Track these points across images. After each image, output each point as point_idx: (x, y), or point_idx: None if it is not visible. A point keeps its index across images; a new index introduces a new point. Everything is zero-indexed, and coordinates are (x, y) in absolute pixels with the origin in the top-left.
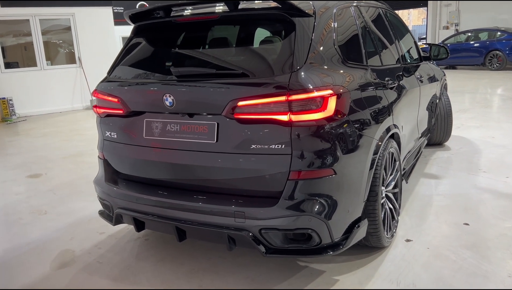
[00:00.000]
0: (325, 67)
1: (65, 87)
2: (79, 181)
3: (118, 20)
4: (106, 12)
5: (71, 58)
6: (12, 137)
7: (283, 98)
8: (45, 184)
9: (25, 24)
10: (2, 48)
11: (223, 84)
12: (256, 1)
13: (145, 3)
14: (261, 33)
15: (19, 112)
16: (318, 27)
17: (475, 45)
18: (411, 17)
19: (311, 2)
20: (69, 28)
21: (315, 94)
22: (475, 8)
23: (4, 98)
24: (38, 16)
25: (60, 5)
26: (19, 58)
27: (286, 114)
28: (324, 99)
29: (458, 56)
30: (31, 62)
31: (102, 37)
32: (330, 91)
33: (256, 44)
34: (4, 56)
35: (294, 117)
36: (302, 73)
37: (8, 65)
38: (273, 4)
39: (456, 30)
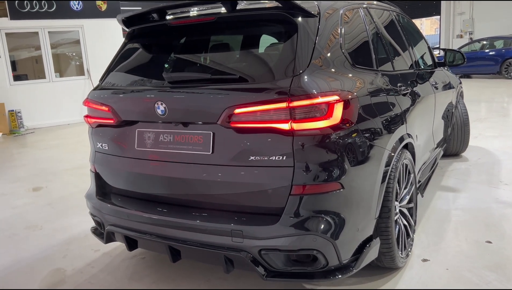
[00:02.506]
0: (331, 70)
1: (74, 99)
2: (79, 195)
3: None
4: (114, 24)
5: (79, 70)
6: (18, 150)
7: (284, 104)
8: (45, 197)
9: (36, 37)
10: (14, 62)
11: (219, 90)
12: (255, 1)
13: None
14: (260, 35)
15: (27, 124)
16: (323, 28)
17: (491, 53)
18: (423, 27)
19: (316, 3)
20: (78, 42)
21: (319, 100)
22: (490, 16)
23: (12, 110)
24: (47, 29)
25: (69, 17)
26: (30, 71)
27: (288, 122)
28: (329, 106)
29: (473, 65)
30: (41, 74)
31: (111, 49)
32: (336, 97)
33: (255, 47)
34: (15, 69)
35: (296, 126)
36: (305, 77)
37: (17, 78)
38: (274, 3)
39: (470, 38)
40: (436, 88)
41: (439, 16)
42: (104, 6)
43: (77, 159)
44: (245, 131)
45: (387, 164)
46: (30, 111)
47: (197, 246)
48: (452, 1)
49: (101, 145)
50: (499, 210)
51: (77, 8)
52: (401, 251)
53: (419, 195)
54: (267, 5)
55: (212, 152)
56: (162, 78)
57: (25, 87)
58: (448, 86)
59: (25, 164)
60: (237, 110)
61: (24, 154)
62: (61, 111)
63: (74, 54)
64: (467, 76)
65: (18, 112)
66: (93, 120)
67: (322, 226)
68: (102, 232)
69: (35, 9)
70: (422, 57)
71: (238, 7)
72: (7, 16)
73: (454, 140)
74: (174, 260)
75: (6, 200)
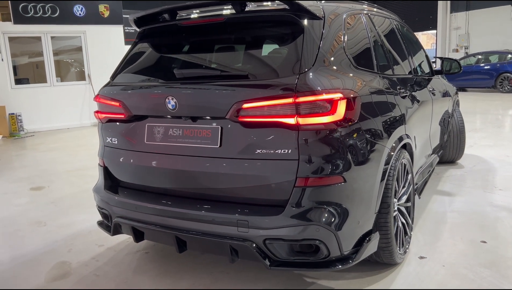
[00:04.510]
0: (335, 70)
1: (74, 103)
2: (81, 194)
3: (129, 40)
4: (116, 31)
5: (81, 75)
6: (18, 152)
7: (290, 100)
8: (47, 196)
9: (38, 44)
10: (15, 67)
11: (228, 86)
12: (263, 3)
13: None
14: (268, 35)
15: (27, 128)
16: (327, 30)
17: (486, 67)
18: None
19: (320, 6)
20: (79, 47)
21: (324, 96)
22: (485, 31)
23: (13, 113)
24: (50, 34)
25: (72, 23)
26: (31, 76)
27: (293, 117)
28: (333, 102)
29: (468, 79)
30: (41, 79)
31: (112, 55)
32: (339, 95)
33: (262, 46)
34: (15, 74)
35: (302, 120)
36: (311, 75)
37: (18, 81)
38: (281, 5)
39: (466, 53)
40: (434, 94)
41: (435, 31)
42: (106, 13)
43: (78, 161)
44: (252, 125)
45: (387, 162)
46: (30, 114)
47: (203, 236)
48: (448, 16)
49: (110, 140)
50: (494, 213)
51: (80, 14)
52: (399, 247)
53: (416, 197)
54: (275, 7)
55: (220, 145)
56: (172, 74)
57: (27, 91)
58: (445, 94)
59: (25, 165)
60: (245, 105)
61: (25, 156)
62: (61, 115)
63: (75, 59)
64: (463, 89)
65: (19, 115)
66: (104, 115)
67: (325, 217)
68: (109, 225)
69: (39, 14)
70: (420, 65)
71: (246, 9)
72: (11, 21)
73: (450, 147)
74: (180, 251)
75: (8, 199)
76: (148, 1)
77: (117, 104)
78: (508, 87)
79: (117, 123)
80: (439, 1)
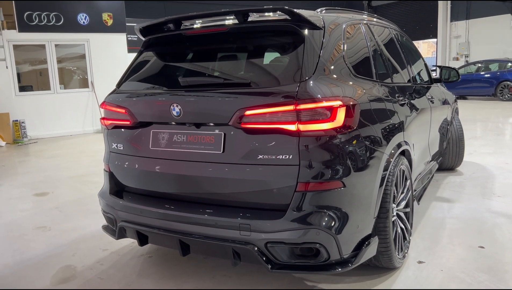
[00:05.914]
0: (334, 78)
1: (77, 110)
2: (85, 200)
3: (131, 48)
4: (120, 39)
5: (84, 83)
6: (22, 158)
7: (291, 107)
8: (51, 202)
9: (42, 51)
10: (19, 74)
11: (231, 94)
12: (265, 13)
13: None
14: (269, 45)
15: (30, 134)
16: (327, 39)
17: (486, 75)
18: (420, 49)
19: (321, 16)
20: (83, 56)
21: (324, 104)
22: (485, 40)
23: (17, 120)
24: (54, 42)
25: (75, 31)
26: (34, 83)
27: (294, 124)
28: (333, 109)
29: (468, 87)
30: (45, 87)
31: (115, 63)
32: (339, 102)
33: (264, 55)
34: (19, 81)
35: (302, 127)
36: (311, 83)
37: (22, 89)
38: (283, 16)
39: (466, 61)
40: (432, 102)
41: (435, 39)
42: (110, 21)
43: (81, 167)
44: (254, 131)
45: (385, 168)
46: (34, 121)
47: (206, 239)
48: (448, 25)
49: (116, 146)
50: (492, 219)
51: (84, 22)
52: (398, 252)
53: (415, 203)
54: (276, 17)
55: (223, 151)
56: (177, 82)
57: (30, 98)
58: (444, 102)
59: (29, 171)
60: (248, 112)
61: (28, 162)
62: (64, 122)
63: (78, 67)
64: (463, 97)
65: (22, 122)
66: (110, 121)
67: (325, 221)
68: (114, 229)
69: (43, 23)
70: (419, 73)
71: (249, 19)
72: (16, 29)
73: (449, 154)
74: (184, 254)
75: (13, 204)
76: (151, 5)
77: (123, 111)
78: (508, 95)
79: (123, 130)
80: (440, 4)
